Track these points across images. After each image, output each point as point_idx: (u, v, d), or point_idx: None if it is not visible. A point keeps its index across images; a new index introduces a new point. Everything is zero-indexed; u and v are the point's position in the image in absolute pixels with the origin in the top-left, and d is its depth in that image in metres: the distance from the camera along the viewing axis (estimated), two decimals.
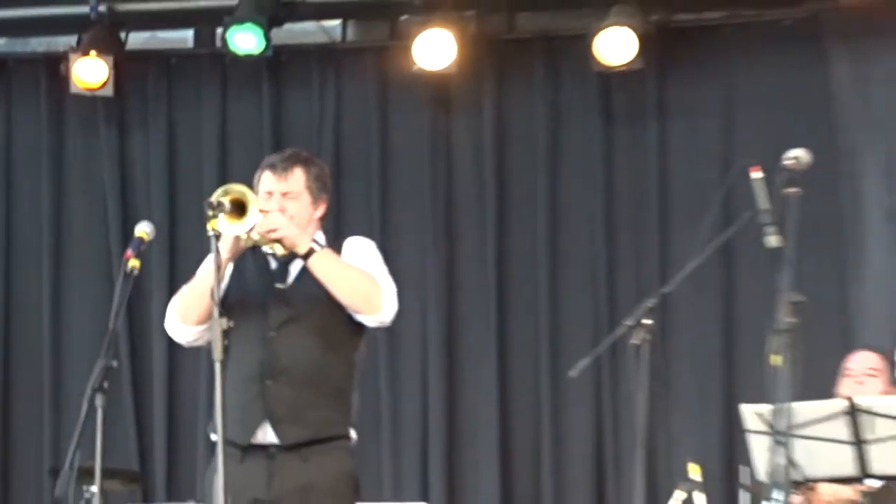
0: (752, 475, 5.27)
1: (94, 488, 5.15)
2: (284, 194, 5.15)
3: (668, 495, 5.89)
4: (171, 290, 6.04)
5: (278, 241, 5.10)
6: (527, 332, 7.86)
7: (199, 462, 7.36)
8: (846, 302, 7.37)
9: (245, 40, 7.49)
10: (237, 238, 5.03)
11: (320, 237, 5.18)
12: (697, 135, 7.77)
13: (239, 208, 5.00)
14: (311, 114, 8.08)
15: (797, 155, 4.72)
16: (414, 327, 7.81)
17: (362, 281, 5.14)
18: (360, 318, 5.14)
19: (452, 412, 7.87)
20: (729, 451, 7.15)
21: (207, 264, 4.98)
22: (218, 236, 4.92)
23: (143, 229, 5.14)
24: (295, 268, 5.12)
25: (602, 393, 7.53)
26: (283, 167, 5.22)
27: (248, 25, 7.44)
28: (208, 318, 4.93)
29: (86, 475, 5.23)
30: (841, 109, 7.50)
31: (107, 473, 5.09)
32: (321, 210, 5.24)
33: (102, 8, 7.59)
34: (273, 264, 5.18)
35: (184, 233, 7.76)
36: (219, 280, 4.94)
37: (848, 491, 5.68)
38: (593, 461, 7.66)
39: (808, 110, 7.47)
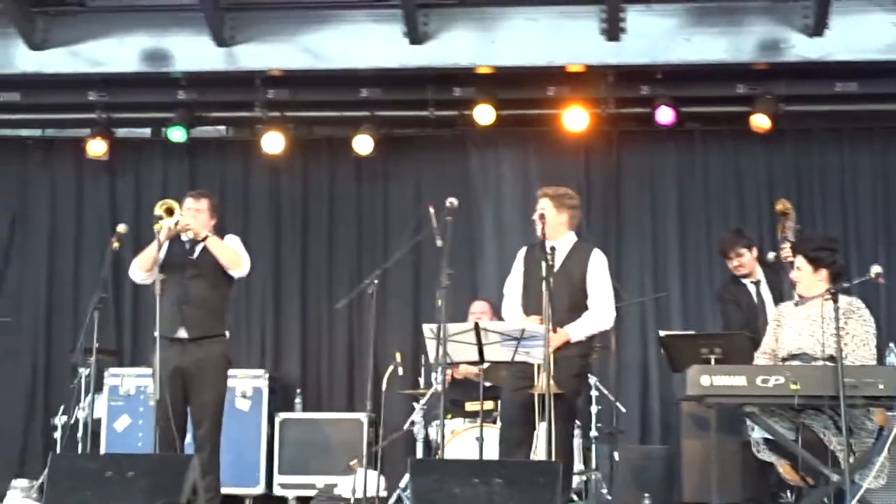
0: (427, 359, 6.41)
1: (93, 359, 6.69)
2: (197, 210, 6.97)
3: (387, 370, 8.22)
4: (132, 257, 7.12)
5: (190, 230, 6.81)
6: (320, 283, 10.15)
7: (148, 345, 8.21)
8: (474, 276, 9.81)
9: (178, 135, 9.66)
10: (169, 228, 6.66)
11: (212, 233, 6.85)
12: (407, 195, 10.17)
13: (169, 212, 6.69)
14: (212, 173, 10.36)
15: (452, 200, 6.42)
16: (260, 276, 9.75)
17: (233, 253, 6.92)
18: (232, 272, 6.94)
19: (278, 317, 10.06)
20: (417, 347, 8.95)
21: (153, 244, 6.66)
22: (159, 230, 6.59)
23: (121, 227, 6.87)
24: (199, 247, 6.88)
25: (353, 317, 9.86)
26: (197, 196, 7.08)
27: (179, 126, 9.61)
28: (152, 270, 6.62)
29: (88, 352, 6.84)
30: (474, 179, 10.05)
31: (99, 351, 6.71)
32: (214, 220, 7.05)
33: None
34: (187, 245, 6.92)
35: (147, 232, 7.83)
36: (158, 251, 6.64)
37: (475, 368, 7.06)
38: (348, 358, 10.01)
39: (458, 179, 9.89)
